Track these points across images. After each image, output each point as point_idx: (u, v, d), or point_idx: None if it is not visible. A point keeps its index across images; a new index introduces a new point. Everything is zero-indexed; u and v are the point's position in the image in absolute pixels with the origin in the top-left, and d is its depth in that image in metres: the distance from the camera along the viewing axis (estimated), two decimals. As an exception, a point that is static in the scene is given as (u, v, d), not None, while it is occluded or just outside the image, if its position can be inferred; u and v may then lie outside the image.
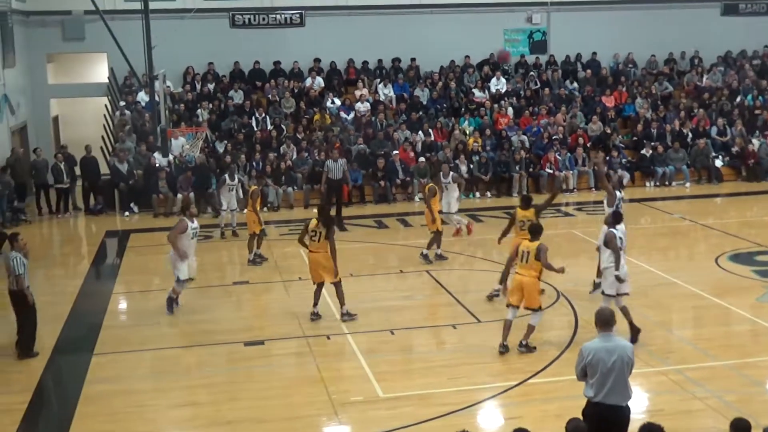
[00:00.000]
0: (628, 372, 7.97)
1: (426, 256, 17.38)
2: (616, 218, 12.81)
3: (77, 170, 24.52)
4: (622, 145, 26.97)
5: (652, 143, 26.66)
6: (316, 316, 13.85)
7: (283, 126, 26.64)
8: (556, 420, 8.77)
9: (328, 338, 13.10)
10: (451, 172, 19.14)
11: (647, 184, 26.06)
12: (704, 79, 30.60)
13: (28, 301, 12.56)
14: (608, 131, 27.17)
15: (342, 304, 13.84)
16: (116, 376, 11.92)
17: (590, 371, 7.91)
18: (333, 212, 21.20)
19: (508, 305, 12.29)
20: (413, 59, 29.97)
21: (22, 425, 10.56)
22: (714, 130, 27.69)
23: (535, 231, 12.33)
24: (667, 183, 26.07)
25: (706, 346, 12.38)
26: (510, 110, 28.03)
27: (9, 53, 25.21)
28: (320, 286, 13.92)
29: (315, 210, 14.51)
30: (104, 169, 24.87)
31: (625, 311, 12.22)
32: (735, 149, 26.88)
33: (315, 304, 13.92)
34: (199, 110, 26.70)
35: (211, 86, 28.28)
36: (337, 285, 13.77)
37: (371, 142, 25.86)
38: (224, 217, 20.51)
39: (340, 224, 20.94)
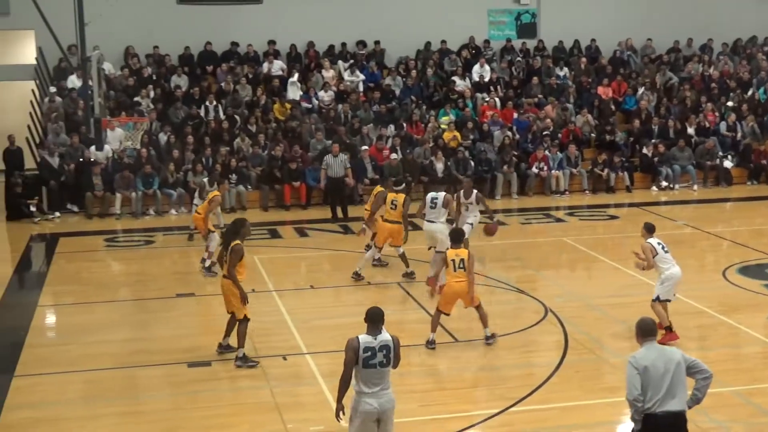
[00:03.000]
0: (684, 374, 8.09)
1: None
2: None
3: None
4: (621, 142, 27.01)
5: (653, 141, 26.80)
6: (223, 349, 13.00)
7: (236, 117, 26.50)
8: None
9: (285, 359, 13.00)
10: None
11: (654, 187, 26.16)
12: (712, 69, 30.77)
13: None
14: (606, 127, 27.27)
15: (240, 346, 12.58)
16: (40, 401, 11.78)
17: (643, 381, 7.94)
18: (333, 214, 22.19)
19: None
20: (377, 42, 29.99)
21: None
22: (723, 126, 27.96)
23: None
24: (671, 186, 26.19)
25: (712, 369, 12.36)
26: (496, 101, 28.11)
27: None
28: (232, 316, 12.76)
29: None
30: (29, 163, 24.64)
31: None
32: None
33: (225, 335, 13.02)
34: (138, 97, 26.49)
35: (151, 70, 28.04)
36: (241, 322, 12.56)
37: (334, 136, 25.74)
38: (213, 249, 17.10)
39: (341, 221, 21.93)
